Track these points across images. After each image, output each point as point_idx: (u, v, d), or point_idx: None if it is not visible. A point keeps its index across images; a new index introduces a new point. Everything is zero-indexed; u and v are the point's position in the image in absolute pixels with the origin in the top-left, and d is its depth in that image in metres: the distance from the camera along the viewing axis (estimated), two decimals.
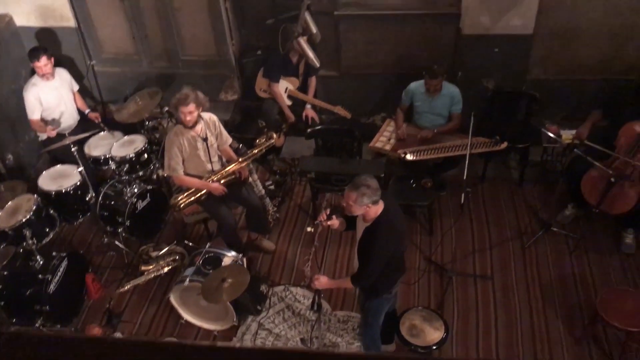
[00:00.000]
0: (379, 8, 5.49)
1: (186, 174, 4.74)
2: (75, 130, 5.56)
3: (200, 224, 5.30)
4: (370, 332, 3.89)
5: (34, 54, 5.19)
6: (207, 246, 4.59)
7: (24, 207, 4.66)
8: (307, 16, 5.14)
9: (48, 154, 6.02)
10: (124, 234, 5.19)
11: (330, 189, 5.34)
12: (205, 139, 4.67)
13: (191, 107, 4.44)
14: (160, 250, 5.15)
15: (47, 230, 4.83)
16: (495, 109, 5.69)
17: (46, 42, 5.99)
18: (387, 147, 5.45)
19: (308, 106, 5.96)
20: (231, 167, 4.79)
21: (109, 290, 4.99)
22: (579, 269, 4.91)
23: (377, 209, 3.35)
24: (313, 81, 5.96)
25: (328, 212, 3.53)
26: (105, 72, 6.34)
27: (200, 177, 4.77)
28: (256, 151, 4.85)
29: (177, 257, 5.07)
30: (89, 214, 5.32)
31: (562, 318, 4.53)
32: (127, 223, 5.07)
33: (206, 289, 4.17)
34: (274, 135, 4.91)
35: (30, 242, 4.41)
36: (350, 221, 3.67)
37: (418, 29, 5.60)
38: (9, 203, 4.73)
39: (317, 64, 5.36)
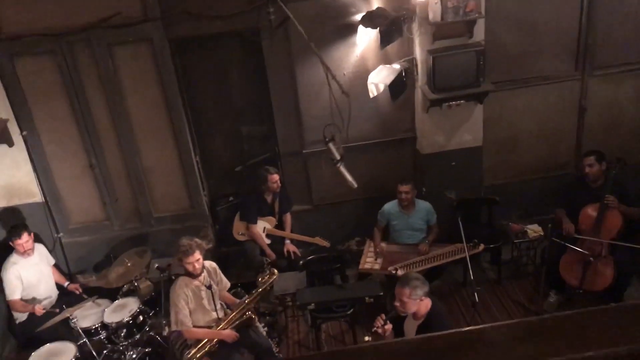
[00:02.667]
0: (342, 142, 5.97)
1: (194, 326, 4.63)
2: (58, 305, 5.32)
3: None
4: None
5: (15, 232, 5.07)
6: None
7: None
8: (332, 146, 5.46)
9: (18, 338, 5.66)
10: None
11: (332, 317, 5.37)
12: (209, 287, 4.67)
13: (197, 254, 4.50)
14: None
15: None
16: (460, 216, 6.14)
17: (10, 221, 5.82)
18: (377, 267, 5.66)
19: (287, 241, 6.13)
20: (239, 310, 4.75)
21: None
22: None
23: (427, 303, 3.51)
24: (288, 217, 6.19)
25: (384, 317, 3.60)
26: (73, 242, 6.21)
27: (208, 327, 4.68)
28: (261, 290, 4.87)
29: None
30: None
31: None
32: None
33: None
34: (275, 271, 4.98)
35: None
36: (396, 328, 3.75)
37: (380, 155, 6.12)
38: None
39: (355, 185, 5.60)
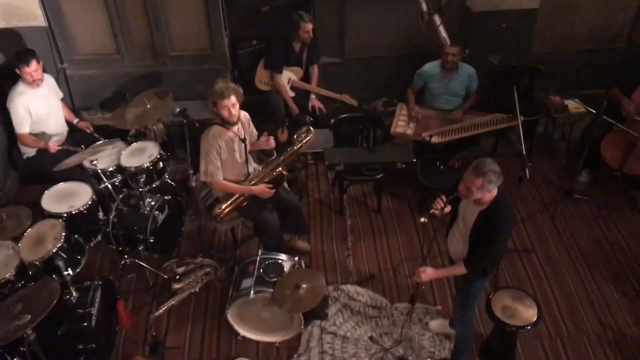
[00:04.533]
0: None
1: (223, 179, 4.33)
2: (67, 143, 4.95)
3: (217, 232, 5.02)
4: (469, 314, 3.79)
5: (23, 59, 4.49)
6: (260, 253, 4.23)
7: (49, 235, 3.99)
8: None
9: (22, 172, 5.34)
10: (145, 253, 4.68)
11: (361, 179, 5.14)
12: (243, 140, 4.30)
13: (233, 98, 4.06)
14: (186, 265, 4.71)
15: (79, 257, 4.20)
16: (500, 84, 5.73)
17: (8, 45, 5.23)
18: (409, 132, 5.34)
19: (313, 96, 5.71)
20: (272, 168, 4.44)
21: (140, 316, 4.49)
22: (608, 232, 5.11)
23: (494, 192, 3.22)
24: (315, 70, 5.71)
25: (444, 199, 3.32)
26: (78, 75, 5.67)
27: (237, 182, 4.40)
28: (296, 148, 4.53)
29: (209, 270, 4.66)
30: (99, 235, 4.71)
31: (611, 280, 4.68)
32: (151, 240, 4.57)
33: (279, 299, 3.85)
34: (312, 130, 4.60)
35: (65, 273, 3.82)
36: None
37: None
38: (29, 231, 4.03)
39: (449, 42, 4.98)
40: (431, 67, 5.35)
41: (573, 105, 5.61)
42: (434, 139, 5.19)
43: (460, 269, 3.45)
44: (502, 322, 3.74)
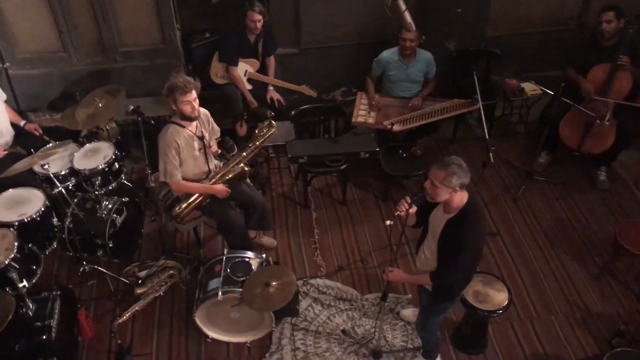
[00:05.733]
0: None
1: (183, 178, 4.18)
2: (14, 147, 4.69)
3: (179, 232, 4.87)
4: (432, 328, 3.73)
5: None
6: (225, 252, 4.11)
7: (0, 246, 3.78)
8: None
9: None
10: (104, 258, 4.49)
11: (325, 171, 5.06)
12: (201, 138, 4.16)
13: (194, 93, 3.92)
14: (148, 269, 4.55)
15: (34, 267, 3.98)
16: (457, 69, 5.74)
17: None
18: (370, 121, 5.29)
19: (271, 88, 5.59)
20: (233, 164, 4.31)
21: (103, 325, 4.32)
22: (569, 211, 5.19)
23: (463, 197, 3.10)
24: (272, 61, 5.58)
25: (409, 200, 3.23)
26: (22, 75, 5.39)
27: (198, 180, 4.26)
28: (258, 143, 4.40)
29: (173, 272, 4.51)
30: (55, 242, 4.49)
31: (574, 258, 4.75)
32: (110, 244, 4.38)
33: (249, 298, 3.74)
34: (274, 123, 4.48)
35: (21, 285, 3.62)
36: (420, 216, 3.44)
37: None
38: None
39: (414, 28, 4.94)
40: (389, 54, 5.30)
41: (529, 87, 5.67)
42: (396, 127, 5.15)
43: (426, 279, 3.36)
44: (475, 308, 3.76)
